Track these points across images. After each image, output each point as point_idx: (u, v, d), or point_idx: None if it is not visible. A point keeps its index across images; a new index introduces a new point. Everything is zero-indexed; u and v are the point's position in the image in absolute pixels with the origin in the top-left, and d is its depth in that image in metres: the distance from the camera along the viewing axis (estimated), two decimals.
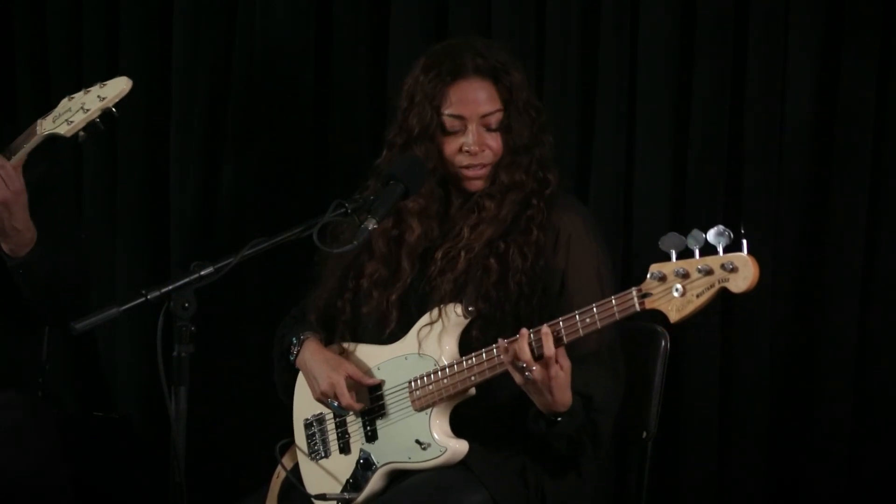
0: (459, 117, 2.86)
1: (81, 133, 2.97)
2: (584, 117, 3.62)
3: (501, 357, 2.66)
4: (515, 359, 2.61)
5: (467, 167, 2.87)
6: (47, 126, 3.00)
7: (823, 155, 3.43)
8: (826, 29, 3.40)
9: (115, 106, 2.96)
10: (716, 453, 3.52)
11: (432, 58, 2.91)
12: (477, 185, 2.89)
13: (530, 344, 2.61)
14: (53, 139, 3.00)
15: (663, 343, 2.96)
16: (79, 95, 3.00)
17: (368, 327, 2.94)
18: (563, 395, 2.65)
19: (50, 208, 3.14)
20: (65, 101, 3.01)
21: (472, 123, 2.86)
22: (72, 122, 2.97)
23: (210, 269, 2.52)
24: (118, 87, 2.96)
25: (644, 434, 2.93)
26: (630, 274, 3.50)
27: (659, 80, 3.53)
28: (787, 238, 3.45)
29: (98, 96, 2.96)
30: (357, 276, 2.95)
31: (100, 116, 2.96)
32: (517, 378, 2.64)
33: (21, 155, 3.01)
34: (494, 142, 2.87)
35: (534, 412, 2.72)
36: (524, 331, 2.62)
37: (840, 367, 3.42)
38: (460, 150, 2.87)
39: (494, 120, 2.86)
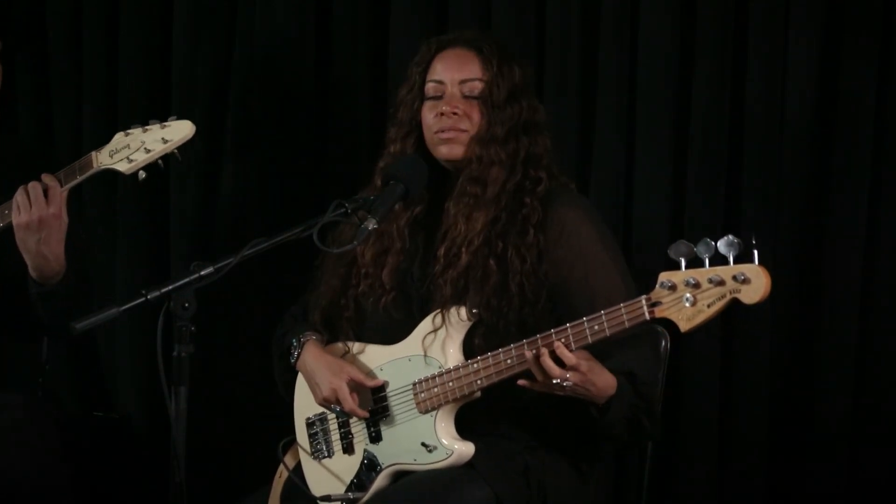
0: (439, 82, 2.90)
1: (141, 172, 3.00)
2: (584, 117, 3.62)
3: (525, 383, 2.65)
4: (547, 378, 2.61)
5: (441, 130, 2.87)
6: (104, 160, 3.02)
7: (823, 155, 3.43)
8: (826, 29, 3.40)
9: (177, 149, 2.98)
10: (716, 453, 3.52)
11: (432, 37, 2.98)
12: (453, 152, 2.88)
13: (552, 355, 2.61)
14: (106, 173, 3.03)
15: (663, 343, 2.96)
16: (136, 132, 3.01)
17: (371, 328, 2.93)
18: (605, 380, 2.65)
19: (74, 241, 3.14)
20: (119, 135, 3.03)
21: (451, 87, 2.88)
22: (132, 160, 2.99)
23: (210, 269, 2.52)
24: (182, 131, 2.99)
25: None
26: (630, 274, 3.49)
27: (659, 80, 3.53)
28: (787, 238, 3.45)
29: (162, 138, 2.99)
30: (359, 273, 2.95)
31: (160, 157, 2.98)
32: (559, 392, 2.65)
33: (71, 185, 3.04)
34: (472, 110, 2.87)
35: (581, 409, 2.72)
36: (543, 350, 2.62)
37: (840, 367, 3.42)
38: (437, 115, 2.88)
39: (474, 87, 2.88)
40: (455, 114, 2.86)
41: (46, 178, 3.03)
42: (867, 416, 3.42)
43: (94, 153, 3.04)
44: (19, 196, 3.02)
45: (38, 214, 3.00)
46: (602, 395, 2.67)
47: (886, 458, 3.40)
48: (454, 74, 2.89)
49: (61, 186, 3.03)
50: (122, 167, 3.00)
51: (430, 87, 2.91)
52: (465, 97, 2.88)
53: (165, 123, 3.01)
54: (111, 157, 3.01)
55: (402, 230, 2.92)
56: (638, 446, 3.02)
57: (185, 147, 3.00)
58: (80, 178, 3.04)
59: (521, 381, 2.66)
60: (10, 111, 4.15)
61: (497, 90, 2.86)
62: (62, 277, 3.08)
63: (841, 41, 3.39)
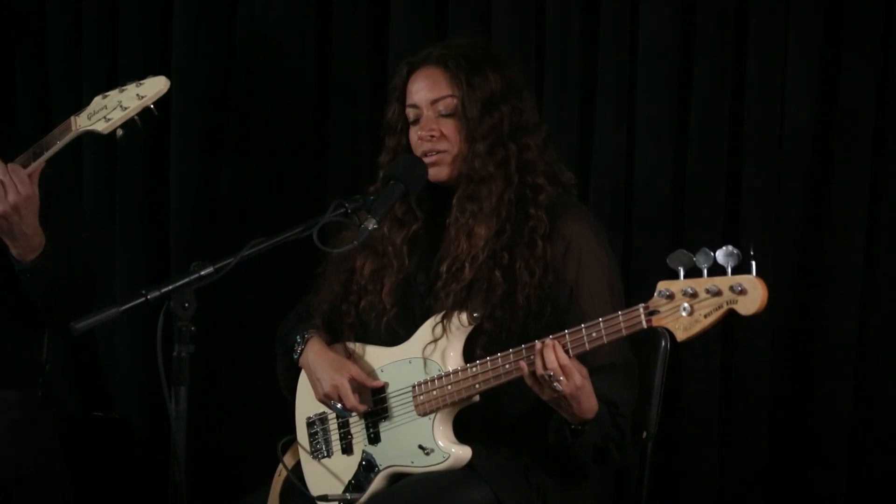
0: (414, 106, 2.90)
1: (119, 130, 2.99)
2: (584, 117, 3.62)
3: (522, 368, 2.65)
4: (544, 369, 2.61)
5: (424, 154, 2.87)
6: (82, 123, 3.00)
7: (823, 155, 3.43)
8: (826, 29, 3.40)
9: (153, 104, 2.97)
10: (716, 453, 3.52)
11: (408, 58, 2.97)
12: (438, 174, 2.87)
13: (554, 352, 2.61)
14: (88, 135, 3.01)
15: (663, 343, 2.96)
16: (114, 93, 3.00)
17: (372, 330, 2.93)
18: (590, 402, 2.66)
19: (58, 212, 3.14)
20: (98, 98, 3.02)
21: (426, 110, 2.88)
22: (109, 119, 2.98)
23: (210, 269, 2.52)
24: (156, 86, 2.97)
25: (644, 434, 2.93)
26: (629, 275, 3.49)
27: (659, 80, 3.53)
28: (788, 239, 3.45)
29: (137, 94, 2.97)
30: (358, 283, 2.95)
31: (138, 114, 2.98)
32: (545, 393, 2.64)
33: (52, 152, 3.02)
34: (447, 129, 2.86)
35: (554, 425, 2.73)
36: (548, 341, 2.62)
37: (840, 367, 3.42)
38: (419, 138, 2.88)
39: (444, 105, 2.87)
40: (432, 136, 2.86)
41: (11, 166, 3.02)
42: (867, 417, 3.42)
43: (72, 117, 3.03)
44: None
45: (15, 201, 3.00)
46: (580, 417, 2.67)
47: (886, 458, 3.40)
48: (426, 95, 2.88)
49: (39, 156, 3.02)
50: (100, 127, 2.99)
51: (409, 112, 2.91)
52: (441, 116, 2.87)
53: (141, 81, 3.00)
54: (89, 119, 3.01)
55: (399, 249, 2.92)
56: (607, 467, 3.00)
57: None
58: (60, 144, 3.03)
59: (521, 362, 2.66)
60: (9, 106, 4.15)
61: (469, 103, 2.84)
62: (42, 250, 3.07)
63: (841, 41, 3.39)
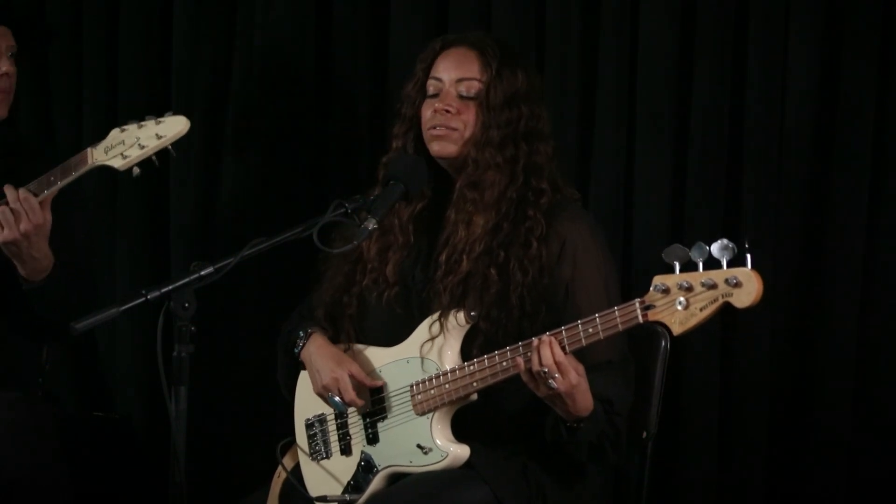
0: (438, 79, 2.90)
1: (136, 168, 3.00)
2: (584, 117, 3.62)
3: (518, 364, 2.65)
4: (539, 365, 2.61)
5: (434, 126, 2.87)
6: (99, 156, 3.02)
7: (823, 155, 3.43)
8: (826, 29, 3.40)
9: (171, 144, 2.98)
10: (716, 453, 3.52)
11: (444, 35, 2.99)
12: (444, 149, 2.87)
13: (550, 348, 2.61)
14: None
15: (663, 343, 2.96)
16: (132, 128, 3.01)
17: (372, 325, 2.94)
18: (586, 400, 2.66)
19: (67, 230, 3.15)
20: (115, 132, 3.03)
21: (448, 86, 2.88)
22: (127, 156, 2.99)
23: (210, 269, 2.53)
24: (176, 126, 2.98)
25: (644, 434, 2.93)
26: (629, 275, 3.50)
27: (659, 80, 3.53)
28: (788, 238, 3.45)
29: (156, 134, 2.98)
30: (364, 268, 2.96)
31: (155, 153, 2.98)
32: (541, 390, 2.64)
33: (66, 182, 3.04)
34: (467, 110, 2.87)
35: (551, 422, 2.73)
36: (544, 337, 2.62)
37: (840, 367, 3.42)
38: (432, 112, 2.88)
39: (468, 87, 2.88)
40: (448, 111, 2.86)
41: (23, 195, 3.03)
42: (867, 416, 3.42)
43: (89, 149, 3.04)
44: (2, 214, 3.03)
45: (25, 229, 3.01)
46: (575, 415, 2.67)
47: (886, 458, 3.40)
48: (452, 73, 2.89)
49: (56, 184, 3.04)
50: (117, 163, 3.01)
51: (430, 85, 2.91)
52: (462, 97, 2.88)
53: (160, 119, 3.00)
54: (106, 153, 3.02)
55: (405, 226, 2.93)
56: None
57: (182, 146, 3.00)
58: (75, 175, 3.05)
59: (518, 358, 2.66)
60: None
61: (494, 92, 2.85)
62: (50, 271, 3.09)
63: (841, 41, 3.39)
